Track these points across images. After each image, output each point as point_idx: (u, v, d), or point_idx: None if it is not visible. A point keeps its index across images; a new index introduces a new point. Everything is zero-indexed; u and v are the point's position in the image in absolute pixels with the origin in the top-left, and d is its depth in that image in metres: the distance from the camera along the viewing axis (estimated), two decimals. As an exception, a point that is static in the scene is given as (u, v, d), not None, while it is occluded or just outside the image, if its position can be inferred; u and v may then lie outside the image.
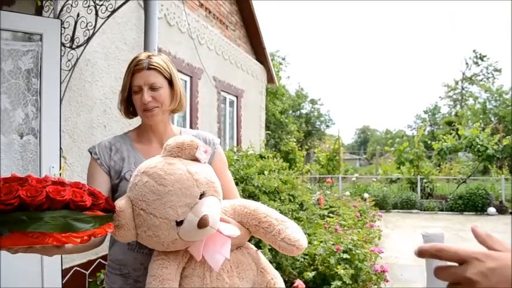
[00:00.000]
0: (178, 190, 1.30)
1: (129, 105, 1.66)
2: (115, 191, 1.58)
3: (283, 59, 21.98)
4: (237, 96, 8.29)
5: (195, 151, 1.39)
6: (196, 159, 1.39)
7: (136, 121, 1.71)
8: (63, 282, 3.27)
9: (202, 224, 1.26)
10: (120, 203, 1.32)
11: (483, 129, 13.41)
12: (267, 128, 12.63)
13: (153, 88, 1.56)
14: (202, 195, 1.33)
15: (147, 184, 1.31)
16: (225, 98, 7.83)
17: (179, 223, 1.29)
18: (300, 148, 15.13)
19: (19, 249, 1.12)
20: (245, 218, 1.45)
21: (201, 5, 6.70)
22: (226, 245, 1.36)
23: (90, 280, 3.76)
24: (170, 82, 1.61)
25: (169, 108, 1.63)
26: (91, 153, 1.63)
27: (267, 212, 1.46)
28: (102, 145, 1.63)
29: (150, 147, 1.64)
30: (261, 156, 5.95)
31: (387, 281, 4.21)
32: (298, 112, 29.81)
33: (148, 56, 1.58)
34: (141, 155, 1.61)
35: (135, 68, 1.56)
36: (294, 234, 1.39)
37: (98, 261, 3.85)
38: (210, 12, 7.04)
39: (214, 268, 1.34)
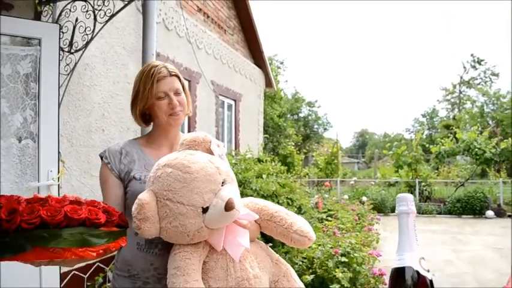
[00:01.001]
0: (203, 177, 1.35)
1: (142, 113, 1.69)
2: (125, 192, 1.61)
3: (281, 63, 22.07)
4: (235, 100, 8.31)
5: (209, 144, 1.48)
6: (211, 153, 1.47)
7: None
8: (62, 286, 3.27)
9: (229, 206, 1.31)
10: (145, 195, 1.35)
11: (481, 133, 13.45)
12: (265, 131, 12.65)
13: (177, 93, 1.63)
14: (223, 183, 1.39)
15: (172, 174, 1.35)
16: (223, 102, 7.85)
17: (204, 210, 1.33)
18: (298, 152, 15.15)
19: (41, 263, 1.21)
20: (257, 213, 1.49)
21: (200, 10, 6.73)
22: (245, 236, 1.41)
23: (88, 284, 3.76)
24: (183, 87, 1.69)
25: (188, 111, 1.71)
26: (102, 158, 1.65)
27: (276, 207, 1.53)
28: (112, 149, 1.66)
29: (159, 152, 1.67)
30: (259, 160, 5.97)
31: (385, 284, 4.21)
32: (296, 116, 29.83)
33: (164, 64, 1.65)
34: (151, 158, 1.64)
35: (159, 75, 1.61)
36: (305, 227, 1.47)
37: (96, 265, 3.85)
38: (208, 16, 7.07)
39: (235, 258, 1.38)
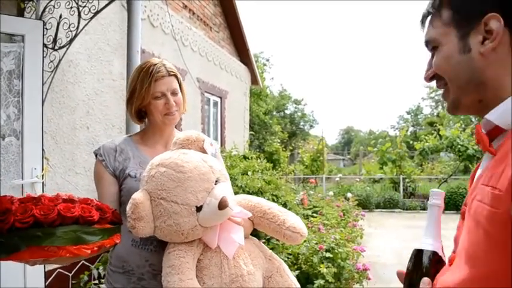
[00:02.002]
0: (196, 176, 1.37)
1: (138, 111, 1.69)
2: (120, 189, 1.61)
3: (267, 60, 22.04)
4: (221, 98, 8.31)
5: (202, 143, 1.50)
6: (204, 151, 1.49)
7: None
8: (46, 284, 3.25)
9: (222, 205, 1.33)
10: (139, 195, 1.36)
11: (464, 130, 13.62)
12: (251, 128, 12.67)
13: (174, 93, 1.64)
14: (216, 181, 1.41)
15: (165, 173, 1.37)
16: (209, 99, 7.84)
17: (198, 209, 1.35)
18: (284, 149, 15.18)
19: (36, 262, 1.23)
20: (250, 211, 1.51)
21: (185, 7, 6.71)
22: (239, 232, 1.44)
23: (73, 282, 3.74)
24: (180, 87, 1.70)
25: (183, 110, 1.72)
26: (96, 155, 1.65)
27: (269, 204, 1.56)
28: (107, 147, 1.66)
29: (154, 149, 1.68)
30: (245, 157, 5.99)
31: (369, 279, 4.28)
32: (283, 113, 29.89)
33: (162, 63, 1.64)
34: (146, 156, 1.64)
35: (157, 74, 1.60)
36: (298, 223, 1.51)
37: (81, 263, 3.84)
38: (194, 13, 7.05)
39: (228, 255, 1.41)
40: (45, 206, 1.18)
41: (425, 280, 0.85)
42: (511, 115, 0.77)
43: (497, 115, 0.80)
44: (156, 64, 1.62)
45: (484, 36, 0.80)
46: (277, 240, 2.70)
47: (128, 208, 1.35)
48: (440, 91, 0.93)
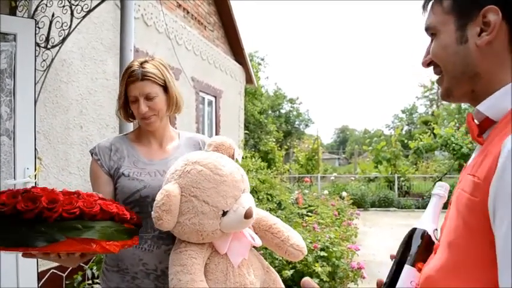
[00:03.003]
0: (230, 181, 1.40)
1: (127, 110, 1.69)
2: (114, 188, 1.61)
3: (262, 59, 22.03)
4: (215, 97, 8.29)
5: (233, 151, 1.54)
6: (232, 158, 1.53)
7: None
8: (39, 285, 3.23)
9: (248, 214, 1.37)
10: (172, 187, 1.35)
11: (458, 129, 13.68)
12: (246, 128, 12.66)
13: (148, 98, 1.59)
14: (243, 191, 1.45)
15: (202, 173, 1.38)
16: (204, 98, 7.83)
17: (223, 214, 1.37)
18: (279, 148, 15.19)
19: (61, 255, 1.25)
20: (257, 223, 1.56)
21: (179, 6, 6.68)
22: (247, 247, 1.49)
23: (67, 282, 3.72)
24: (165, 88, 1.64)
25: (167, 113, 1.68)
26: (92, 154, 1.65)
27: (275, 220, 1.60)
28: (102, 145, 1.65)
29: (150, 148, 1.68)
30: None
31: (364, 278, 4.28)
32: (278, 112, 29.88)
33: (141, 64, 1.60)
34: (141, 155, 1.65)
35: (128, 79, 1.59)
36: (300, 241, 1.57)
37: (75, 263, 3.82)
38: (188, 12, 7.03)
39: (234, 264, 1.43)
40: (87, 200, 1.22)
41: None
42: (500, 107, 0.78)
43: (487, 106, 0.80)
44: (131, 67, 1.60)
45: (481, 28, 0.80)
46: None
47: (158, 198, 1.34)
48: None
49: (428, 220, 0.94)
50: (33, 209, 1.12)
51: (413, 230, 0.93)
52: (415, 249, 0.90)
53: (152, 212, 1.36)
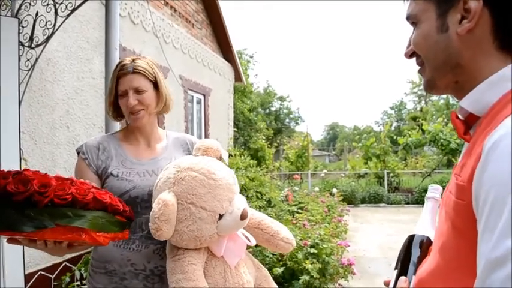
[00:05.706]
0: (225, 185, 1.40)
1: (116, 108, 1.67)
2: (101, 188, 1.58)
3: (251, 57, 21.99)
4: (204, 95, 8.26)
5: (220, 153, 1.55)
6: (219, 159, 1.54)
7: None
8: (27, 287, 3.19)
9: (244, 215, 1.39)
10: (169, 197, 1.34)
11: (446, 124, 13.76)
12: (236, 126, 12.64)
13: (138, 92, 1.59)
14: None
15: (197, 179, 1.37)
16: (192, 96, 7.79)
17: (219, 217, 1.38)
18: (269, 145, 15.20)
19: (48, 243, 1.18)
20: None
21: (166, 4, 6.64)
22: (243, 247, 1.51)
23: (55, 284, 3.68)
24: (156, 85, 1.65)
25: (155, 110, 1.67)
26: (78, 153, 1.63)
27: (262, 216, 1.63)
28: (90, 144, 1.63)
29: (137, 148, 1.67)
30: (229, 154, 5.96)
31: (354, 274, 4.29)
32: (268, 110, 29.91)
33: (133, 60, 1.61)
34: (128, 154, 1.63)
35: (119, 72, 1.59)
36: (289, 235, 1.61)
37: (63, 264, 3.78)
38: (175, 10, 6.99)
39: (231, 265, 1.45)
40: (80, 188, 1.18)
41: (403, 279, 0.85)
42: (483, 101, 0.75)
43: (470, 102, 0.77)
44: (123, 62, 1.61)
45: (462, 15, 0.76)
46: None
47: (155, 208, 1.32)
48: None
49: (427, 226, 0.95)
50: (23, 192, 1.08)
51: (413, 236, 0.93)
52: (416, 255, 0.89)
53: (150, 224, 1.34)
